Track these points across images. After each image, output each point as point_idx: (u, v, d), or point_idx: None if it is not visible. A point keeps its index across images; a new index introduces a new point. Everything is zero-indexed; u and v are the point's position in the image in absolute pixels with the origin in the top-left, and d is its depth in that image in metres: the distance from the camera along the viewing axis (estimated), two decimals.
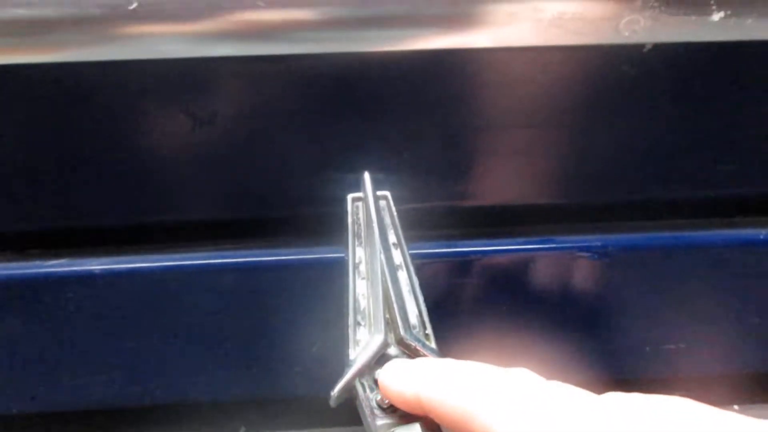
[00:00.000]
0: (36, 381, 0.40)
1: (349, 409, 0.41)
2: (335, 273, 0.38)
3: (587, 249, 0.40)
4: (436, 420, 0.27)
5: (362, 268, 0.36)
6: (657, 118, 0.39)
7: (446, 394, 0.26)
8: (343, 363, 0.33)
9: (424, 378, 0.28)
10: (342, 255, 0.38)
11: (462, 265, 0.39)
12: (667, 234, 0.41)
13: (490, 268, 0.39)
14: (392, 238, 0.37)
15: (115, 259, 0.39)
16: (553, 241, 0.40)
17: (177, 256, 0.39)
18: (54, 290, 0.38)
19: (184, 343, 0.40)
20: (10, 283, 0.38)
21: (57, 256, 0.39)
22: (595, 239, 0.40)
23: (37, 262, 0.39)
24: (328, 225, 0.39)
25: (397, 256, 0.37)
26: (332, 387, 0.32)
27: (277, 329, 0.40)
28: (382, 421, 0.31)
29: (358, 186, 0.38)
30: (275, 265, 0.39)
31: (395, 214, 0.38)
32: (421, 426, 0.28)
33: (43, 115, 0.36)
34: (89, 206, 0.38)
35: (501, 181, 0.40)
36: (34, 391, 0.40)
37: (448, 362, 0.28)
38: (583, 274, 0.40)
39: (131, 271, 0.38)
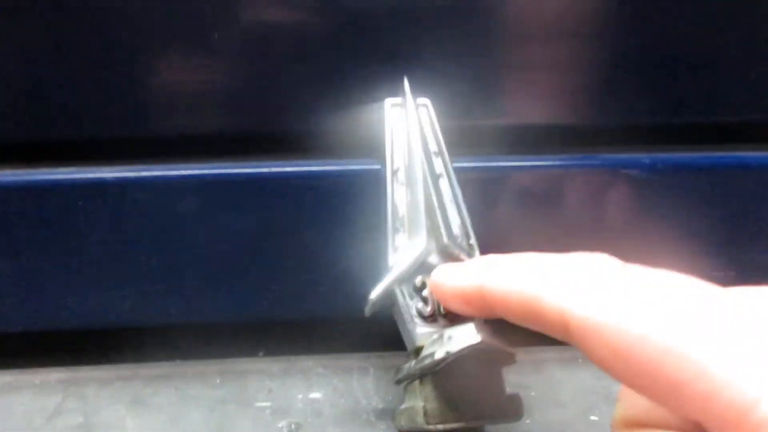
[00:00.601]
0: (43, 297, 0.37)
1: (373, 335, 0.39)
2: (365, 185, 0.36)
3: (635, 166, 0.37)
4: (502, 312, 0.24)
5: (401, 174, 0.33)
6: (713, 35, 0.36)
7: (515, 278, 0.23)
8: (380, 271, 0.31)
9: (487, 268, 0.25)
10: (375, 167, 0.35)
11: (505, 180, 0.37)
12: (718, 154, 0.38)
13: (534, 185, 0.37)
14: (433, 146, 0.35)
15: (132, 167, 0.36)
16: (597, 159, 0.38)
17: (198, 166, 0.36)
18: (64, 198, 0.35)
19: (202, 259, 0.37)
20: (19, 190, 0.35)
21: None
22: (643, 157, 0.38)
23: (47, 170, 0.35)
24: (361, 135, 0.36)
25: (438, 165, 0.34)
26: (369, 292, 0.30)
27: (301, 246, 0.37)
28: (423, 329, 0.29)
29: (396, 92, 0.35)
30: (298, 176, 0.36)
31: (436, 121, 0.35)
32: (475, 326, 0.26)
33: (50, 24, 0.33)
34: (107, 115, 0.35)
35: (545, 98, 0.38)
36: (41, 307, 0.38)
37: (512, 255, 0.25)
38: (629, 193, 0.37)
39: (147, 179, 0.36)
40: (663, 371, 0.18)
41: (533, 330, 0.23)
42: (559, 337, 0.22)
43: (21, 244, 0.36)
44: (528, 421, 0.33)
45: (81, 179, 0.35)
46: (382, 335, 0.38)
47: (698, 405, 0.17)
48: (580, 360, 0.39)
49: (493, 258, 0.26)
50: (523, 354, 0.39)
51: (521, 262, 0.24)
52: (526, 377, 0.37)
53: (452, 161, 0.34)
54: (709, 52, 0.37)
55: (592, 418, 0.33)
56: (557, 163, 0.37)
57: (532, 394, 0.35)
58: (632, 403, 0.23)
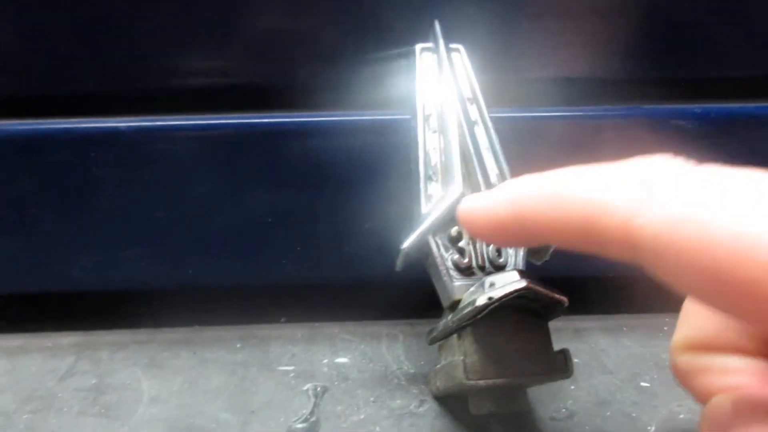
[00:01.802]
0: (55, 257, 0.36)
1: (400, 301, 0.37)
2: (394, 136, 0.33)
3: (685, 116, 0.34)
4: (547, 235, 0.19)
5: (433, 121, 0.31)
6: None
7: (562, 190, 0.18)
8: (412, 221, 0.29)
9: (526, 184, 0.20)
10: (404, 116, 0.33)
11: (547, 130, 0.34)
12: None
13: (577, 136, 0.34)
14: (467, 93, 0.32)
15: (145, 118, 0.34)
16: (644, 109, 0.35)
17: (220, 116, 0.34)
18: (76, 151, 0.34)
19: (221, 219, 0.35)
20: (30, 142, 0.33)
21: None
22: (694, 107, 0.35)
23: (60, 119, 0.34)
24: (390, 82, 0.34)
25: (473, 113, 0.32)
26: (400, 243, 0.28)
27: (325, 205, 0.35)
28: (460, 282, 0.27)
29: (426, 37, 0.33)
30: (322, 128, 0.34)
31: (470, 67, 0.33)
32: (518, 273, 0.23)
33: None
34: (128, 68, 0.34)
35: (587, 51, 0.35)
36: (53, 268, 0.36)
37: (553, 171, 0.20)
38: (677, 145, 0.35)
39: (164, 129, 0.34)
40: None
41: (586, 253, 0.18)
42: (622, 257, 0.17)
43: (32, 201, 0.34)
44: (573, 387, 0.30)
45: (95, 129, 0.33)
46: (411, 303, 0.36)
47: None
48: (624, 329, 0.36)
49: (530, 176, 0.21)
50: (563, 322, 0.36)
51: (565, 172, 0.19)
52: (568, 344, 0.33)
53: (489, 111, 0.31)
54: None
55: (643, 384, 0.30)
56: (603, 113, 0.34)
57: (576, 360, 0.32)
58: (699, 324, 0.20)
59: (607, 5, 0.34)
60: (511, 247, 0.27)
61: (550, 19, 0.34)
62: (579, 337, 0.35)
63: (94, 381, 0.31)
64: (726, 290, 0.15)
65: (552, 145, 0.34)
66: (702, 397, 0.21)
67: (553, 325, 0.36)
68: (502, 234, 0.21)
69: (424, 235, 0.27)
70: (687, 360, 0.22)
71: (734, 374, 0.21)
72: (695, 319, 0.21)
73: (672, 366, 0.23)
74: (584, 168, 0.19)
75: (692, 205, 0.15)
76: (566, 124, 0.34)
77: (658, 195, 0.16)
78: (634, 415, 0.28)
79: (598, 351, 0.34)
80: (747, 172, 0.16)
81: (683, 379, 0.22)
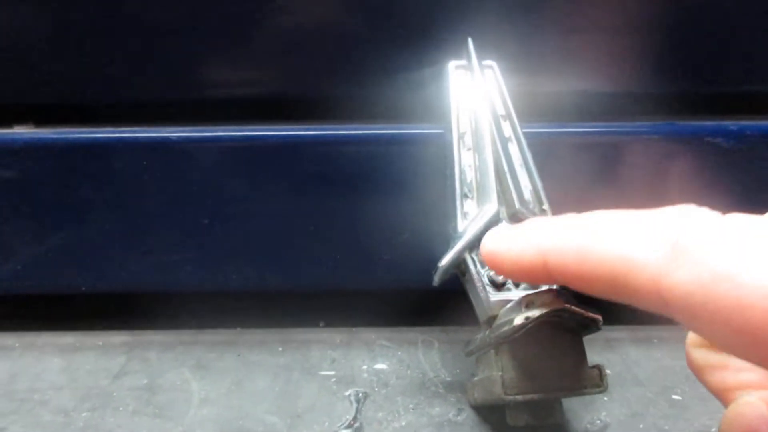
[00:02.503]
0: (106, 260, 0.38)
1: (433, 308, 0.38)
2: (429, 150, 0.35)
3: (720, 134, 0.35)
4: (574, 283, 0.20)
5: (467, 139, 0.32)
6: None
7: (590, 245, 0.19)
8: (448, 238, 0.30)
9: (552, 232, 0.20)
10: (438, 131, 0.34)
11: (582, 146, 0.35)
12: None
13: (612, 152, 0.35)
14: (500, 109, 0.33)
15: (195, 128, 0.35)
16: (679, 126, 0.35)
17: (264, 128, 0.35)
18: (128, 156, 0.35)
19: (264, 226, 0.37)
20: (83, 149, 0.35)
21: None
22: (729, 124, 0.35)
23: (111, 128, 0.35)
24: (424, 98, 0.35)
25: (507, 129, 0.32)
26: (438, 260, 0.29)
27: (364, 214, 0.36)
28: (496, 297, 0.28)
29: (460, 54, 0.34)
30: (363, 140, 0.35)
31: (503, 84, 0.33)
32: (555, 292, 0.24)
33: None
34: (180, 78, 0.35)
35: (617, 65, 0.35)
36: (103, 270, 0.38)
37: (579, 214, 0.21)
38: (713, 162, 0.35)
39: (212, 139, 0.35)
40: None
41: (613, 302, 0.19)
42: (650, 308, 0.18)
43: (85, 206, 0.36)
44: (606, 399, 0.31)
45: (146, 138, 0.35)
46: (445, 310, 0.37)
47: None
48: (655, 340, 0.37)
49: (556, 218, 0.21)
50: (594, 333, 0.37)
51: (592, 221, 0.20)
52: (599, 356, 0.35)
53: (523, 126, 0.32)
54: None
55: (675, 397, 0.31)
56: (639, 129, 0.35)
57: (608, 372, 0.33)
58: None
59: (639, 16, 0.34)
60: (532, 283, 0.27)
61: (580, 32, 0.35)
62: (611, 348, 0.36)
63: (145, 381, 0.33)
64: (761, 349, 0.15)
65: (585, 161, 0.35)
66: (718, 393, 0.22)
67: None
68: (528, 278, 0.22)
69: (461, 252, 0.28)
70: (703, 355, 0.22)
71: (748, 372, 0.21)
72: None
73: (687, 359, 0.23)
74: (612, 216, 0.19)
75: (723, 264, 0.15)
76: (598, 139, 0.35)
77: (689, 252, 0.16)
78: (666, 428, 0.29)
79: (630, 362, 0.34)
80: None
81: (698, 373, 0.23)
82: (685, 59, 0.35)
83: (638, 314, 0.38)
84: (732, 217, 0.17)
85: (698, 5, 0.34)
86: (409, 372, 0.33)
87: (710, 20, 0.35)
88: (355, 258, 0.37)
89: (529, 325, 0.24)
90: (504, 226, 0.25)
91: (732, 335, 0.15)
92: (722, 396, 0.22)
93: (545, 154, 0.32)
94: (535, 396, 0.25)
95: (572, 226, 0.20)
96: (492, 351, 0.27)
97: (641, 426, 0.29)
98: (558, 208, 0.30)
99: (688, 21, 0.35)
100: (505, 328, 0.25)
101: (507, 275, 0.24)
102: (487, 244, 0.23)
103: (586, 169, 0.35)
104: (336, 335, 0.37)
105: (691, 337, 0.23)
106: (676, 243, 0.17)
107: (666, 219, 0.18)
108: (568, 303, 0.24)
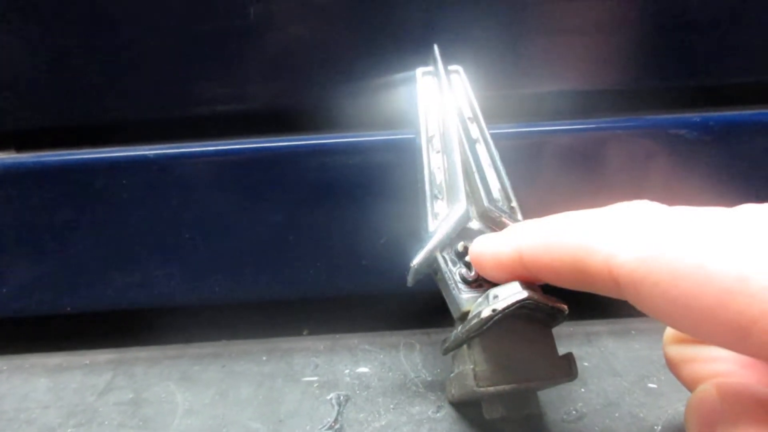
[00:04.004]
0: (89, 279, 0.38)
1: (419, 311, 0.39)
2: (401, 156, 0.35)
3: (684, 126, 0.36)
4: (544, 275, 0.23)
5: (436, 141, 0.33)
6: None
7: (555, 238, 0.22)
8: (420, 239, 0.30)
9: (525, 231, 0.24)
10: (409, 136, 0.35)
11: (548, 144, 0.36)
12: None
13: (577, 148, 0.36)
14: (467, 112, 0.34)
15: (171, 145, 0.36)
16: (643, 120, 0.36)
17: (237, 141, 0.36)
18: (107, 176, 0.36)
19: (244, 238, 0.38)
20: (63, 171, 0.36)
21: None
22: (693, 116, 0.36)
23: (90, 149, 0.36)
24: (394, 105, 0.36)
25: (474, 131, 0.33)
26: (410, 260, 0.29)
27: (343, 222, 0.37)
28: (467, 294, 0.28)
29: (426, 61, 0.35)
30: (338, 149, 0.36)
31: (469, 87, 0.34)
32: (520, 285, 0.25)
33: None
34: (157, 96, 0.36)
35: (583, 63, 0.36)
36: (88, 289, 0.38)
37: (549, 217, 0.24)
38: (677, 155, 0.36)
39: (188, 155, 0.36)
40: (727, 313, 0.16)
41: (581, 291, 0.22)
42: (609, 293, 0.20)
43: (68, 228, 0.37)
44: (583, 390, 0.32)
45: (124, 157, 0.36)
46: (427, 313, 0.38)
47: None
48: (633, 332, 0.37)
49: (529, 221, 0.25)
50: (573, 327, 0.38)
51: (558, 220, 0.23)
52: (578, 349, 0.36)
53: (490, 128, 0.33)
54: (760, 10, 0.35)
55: (650, 385, 0.32)
56: (603, 125, 0.36)
57: (585, 364, 0.34)
58: None
59: (599, 16, 0.35)
60: None
61: (544, 34, 0.36)
62: (589, 342, 0.36)
63: (131, 395, 0.33)
64: (692, 317, 0.17)
65: (552, 158, 0.36)
66: (690, 385, 0.23)
67: (565, 330, 0.38)
68: (509, 275, 0.25)
69: (432, 252, 0.29)
70: (677, 351, 0.24)
71: (718, 362, 0.23)
72: None
73: (664, 357, 0.25)
74: (574, 214, 0.22)
75: (661, 244, 0.18)
76: (565, 137, 0.36)
77: (633, 237, 0.19)
78: (641, 415, 0.30)
79: (607, 354, 0.35)
80: (711, 211, 0.19)
81: (674, 368, 0.24)
82: (649, 55, 0.37)
83: (616, 307, 0.39)
84: (675, 208, 0.20)
85: (653, 3, 0.35)
86: (390, 374, 0.34)
87: (670, 16, 0.36)
88: (336, 265, 0.38)
89: (496, 317, 0.24)
90: (487, 235, 0.28)
91: (669, 306, 0.17)
92: (692, 388, 0.23)
93: (513, 153, 0.33)
94: (507, 387, 0.25)
95: (542, 225, 0.23)
96: (465, 346, 0.27)
97: (617, 414, 0.30)
98: (526, 205, 0.31)
99: (650, 19, 0.36)
100: (474, 321, 0.25)
101: (491, 275, 0.26)
102: (473, 249, 0.27)
103: (552, 165, 0.36)
104: (320, 342, 0.38)
105: (667, 334, 0.24)
106: (623, 230, 0.19)
107: (619, 211, 0.21)
108: (532, 294, 0.24)
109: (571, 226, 0.22)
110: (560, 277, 0.22)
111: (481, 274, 0.27)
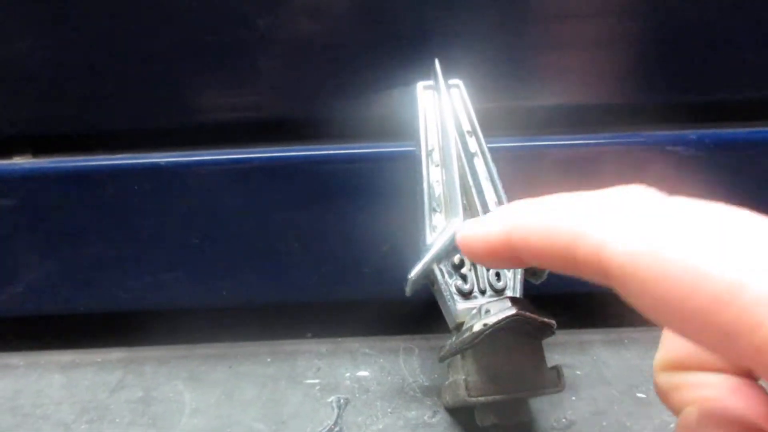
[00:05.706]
0: (101, 280, 0.40)
1: (419, 316, 0.40)
2: (403, 167, 0.36)
3: (680, 143, 0.36)
4: (532, 258, 0.22)
5: (435, 155, 0.34)
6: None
7: (545, 220, 0.20)
8: (418, 251, 0.32)
9: (515, 212, 0.22)
10: (411, 149, 0.36)
11: (544, 158, 0.37)
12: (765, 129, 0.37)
13: (573, 163, 0.37)
14: (466, 126, 0.35)
15: (181, 152, 0.37)
16: (640, 136, 0.37)
17: (245, 150, 0.37)
18: (120, 181, 0.37)
19: (251, 244, 0.39)
20: (76, 176, 0.37)
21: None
22: (689, 133, 0.37)
23: (104, 155, 0.38)
24: (395, 118, 0.37)
25: (473, 145, 0.34)
26: (408, 272, 0.31)
27: (346, 228, 0.38)
28: (462, 305, 0.30)
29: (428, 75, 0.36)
30: (343, 159, 0.37)
31: (469, 101, 0.35)
32: (510, 301, 0.26)
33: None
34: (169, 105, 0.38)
35: (583, 78, 0.37)
36: (99, 290, 0.40)
37: (541, 198, 0.22)
38: (673, 171, 0.37)
39: (198, 163, 0.37)
40: (718, 319, 0.15)
41: (570, 276, 0.20)
42: (596, 280, 0.19)
43: (82, 231, 0.38)
44: (574, 398, 0.33)
45: (137, 164, 0.37)
46: (426, 318, 0.39)
47: (754, 355, 0.15)
48: (626, 341, 0.38)
49: (520, 201, 0.23)
50: (567, 335, 0.39)
51: (549, 202, 0.21)
52: (571, 358, 0.37)
53: (488, 141, 0.34)
54: (755, 28, 0.36)
55: (639, 395, 0.33)
56: (600, 140, 0.37)
57: (578, 373, 0.35)
58: (674, 344, 0.22)
59: (597, 32, 0.36)
60: (505, 268, 0.30)
61: (543, 49, 0.37)
62: (582, 350, 0.37)
63: (141, 394, 0.35)
64: (680, 317, 0.16)
65: (548, 172, 0.37)
66: (678, 411, 0.24)
67: (559, 339, 0.39)
68: (496, 258, 0.23)
69: (429, 264, 0.30)
70: (666, 378, 0.24)
71: (704, 388, 0.22)
72: (672, 340, 0.22)
73: (654, 385, 0.25)
74: (567, 196, 0.21)
75: (653, 240, 0.17)
76: (561, 151, 0.37)
77: (625, 227, 0.18)
78: (628, 424, 0.31)
79: (599, 363, 0.36)
80: (709, 206, 0.17)
81: (663, 396, 0.24)
82: (647, 71, 0.37)
83: (610, 317, 0.40)
84: (673, 198, 0.19)
85: (655, 18, 0.36)
86: (389, 378, 0.35)
87: (668, 33, 0.36)
88: (339, 271, 0.39)
89: (487, 332, 0.26)
90: (476, 218, 0.26)
91: (656, 303, 0.17)
92: (680, 413, 0.24)
93: (511, 167, 0.34)
94: (496, 397, 0.26)
95: (532, 206, 0.22)
96: (459, 356, 0.29)
97: (604, 423, 0.31)
98: None
99: (647, 36, 0.36)
100: (466, 335, 0.26)
101: (478, 259, 0.24)
102: (461, 231, 0.24)
103: (548, 179, 0.36)
104: (322, 345, 0.39)
105: (657, 361, 0.24)
106: (617, 218, 0.18)
107: (614, 196, 0.20)
108: (522, 310, 0.25)
109: (563, 208, 0.20)
110: (548, 261, 0.21)
111: (470, 258, 0.26)
